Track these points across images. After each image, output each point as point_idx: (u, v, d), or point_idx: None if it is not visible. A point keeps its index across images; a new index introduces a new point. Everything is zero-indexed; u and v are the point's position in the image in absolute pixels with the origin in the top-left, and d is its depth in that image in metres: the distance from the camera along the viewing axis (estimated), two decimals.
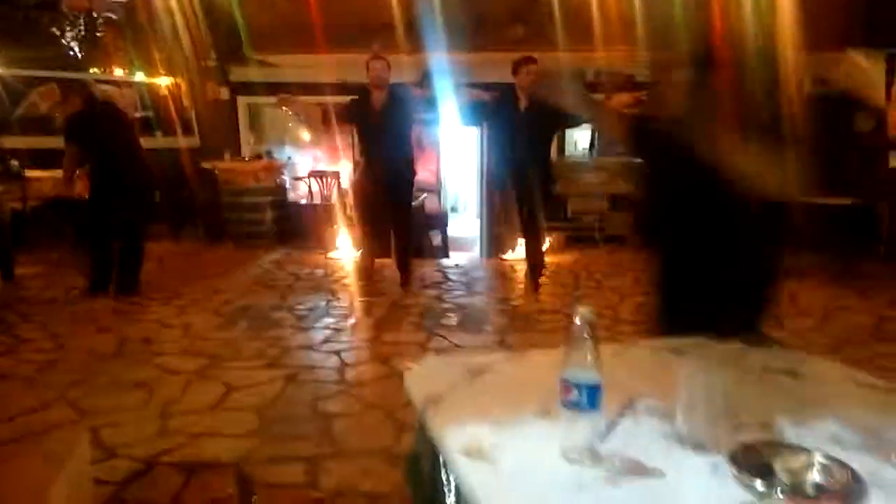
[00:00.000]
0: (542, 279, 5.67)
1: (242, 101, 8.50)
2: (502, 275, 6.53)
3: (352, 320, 4.83)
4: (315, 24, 6.52)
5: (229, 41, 7.58)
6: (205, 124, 8.38)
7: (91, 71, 8.06)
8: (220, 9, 7.42)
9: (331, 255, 7.08)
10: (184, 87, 8.41)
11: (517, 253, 6.53)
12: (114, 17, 8.21)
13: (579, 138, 8.41)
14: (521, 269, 6.35)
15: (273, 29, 7.01)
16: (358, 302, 5.33)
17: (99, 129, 5.11)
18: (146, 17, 8.13)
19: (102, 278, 5.27)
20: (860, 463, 0.97)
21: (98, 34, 8.15)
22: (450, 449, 1.04)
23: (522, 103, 5.08)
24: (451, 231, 7.94)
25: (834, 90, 7.31)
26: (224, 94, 8.33)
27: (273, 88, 7.96)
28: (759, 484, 0.90)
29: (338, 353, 4.10)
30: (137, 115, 8.29)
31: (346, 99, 5.56)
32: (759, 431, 1.07)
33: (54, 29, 7.89)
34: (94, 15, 8.03)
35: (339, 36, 6.49)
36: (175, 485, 2.54)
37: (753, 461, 0.96)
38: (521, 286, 5.84)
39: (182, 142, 8.32)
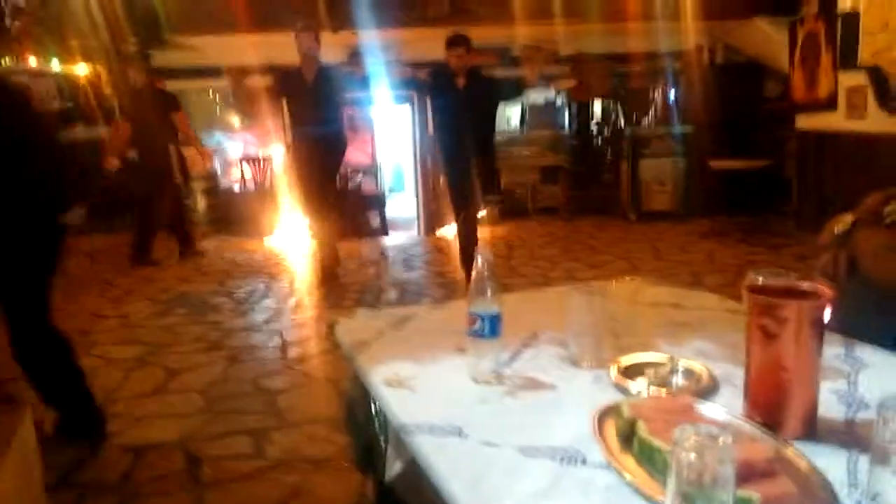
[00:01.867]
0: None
1: (166, 86, 8.30)
2: (439, 250, 6.69)
3: (292, 301, 4.90)
4: (236, 4, 6.45)
5: (148, 25, 7.39)
6: (128, 113, 8.15)
7: (2, 61, 7.73)
8: None
9: (267, 239, 7.07)
10: (104, 75, 8.16)
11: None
12: (22, 3, 7.88)
13: (512, 113, 8.60)
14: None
15: (192, 10, 6.88)
16: (297, 283, 5.40)
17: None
18: (59, 2, 7.84)
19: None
20: (718, 368, 1.16)
21: (7, 22, 7.80)
22: (374, 383, 1.17)
23: (460, 81, 4.95)
24: (389, 211, 8.03)
25: (743, 57, 7.74)
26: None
27: (197, 73, 7.85)
28: (631, 386, 1.08)
29: (279, 332, 4.18)
30: (56, 105, 8.03)
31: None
32: (640, 350, 1.25)
33: None
34: (2, 2, 7.68)
35: (262, 15, 6.44)
36: (124, 465, 2.60)
37: (630, 371, 1.14)
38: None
39: (105, 132, 8.09)
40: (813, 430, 0.94)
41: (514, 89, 5.43)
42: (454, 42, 4.92)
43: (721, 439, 0.67)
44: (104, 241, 7.34)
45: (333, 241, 5.49)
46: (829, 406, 1.01)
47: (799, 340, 0.91)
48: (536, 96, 8.10)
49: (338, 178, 5.89)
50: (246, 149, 8.42)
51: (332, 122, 5.21)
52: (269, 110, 7.04)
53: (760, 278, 1.14)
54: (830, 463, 0.85)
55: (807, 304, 0.92)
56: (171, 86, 8.31)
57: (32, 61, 7.93)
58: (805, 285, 1.00)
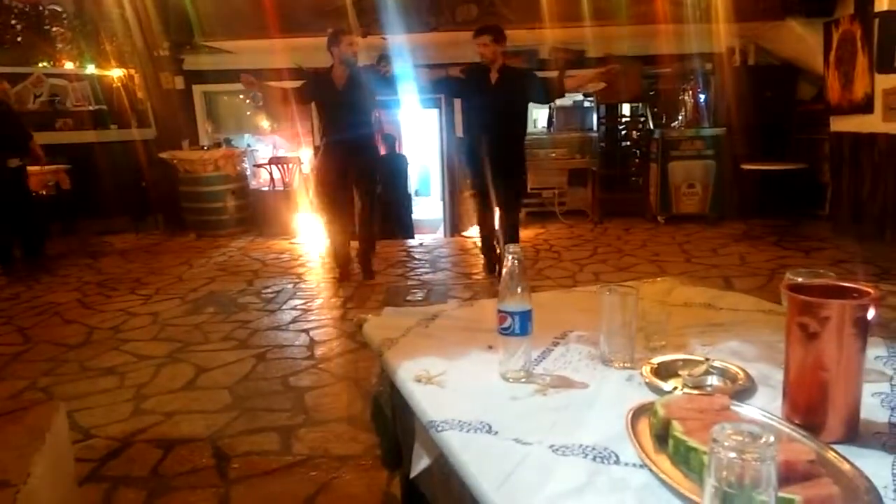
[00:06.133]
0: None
1: (198, 89, 8.44)
2: (465, 251, 6.68)
3: (319, 301, 4.92)
4: (266, 9, 6.52)
5: (181, 30, 7.51)
6: (160, 115, 8.30)
7: (40, 65, 7.92)
8: None
9: (295, 240, 7.14)
10: (137, 78, 8.32)
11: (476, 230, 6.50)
12: (60, 9, 8.06)
13: (539, 115, 8.57)
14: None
15: (224, 15, 6.98)
16: (324, 283, 5.43)
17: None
18: (95, 8, 8.01)
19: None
20: (754, 369, 1.13)
21: (45, 27, 7.99)
22: (402, 379, 1.17)
23: (493, 76, 4.81)
24: (416, 214, 8.04)
25: (776, 59, 7.60)
26: (178, 83, 8.25)
27: (228, 76, 7.96)
28: (665, 386, 1.06)
29: (306, 331, 4.21)
30: (90, 108, 8.20)
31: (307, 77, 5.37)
32: (674, 350, 1.22)
33: None
34: (41, 8, 7.87)
35: (292, 20, 6.51)
36: (153, 459, 2.63)
37: (663, 371, 1.12)
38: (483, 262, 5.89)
39: (137, 133, 8.24)
40: (855, 433, 0.91)
41: (543, 94, 5.14)
42: (479, 31, 4.82)
43: (763, 437, 0.65)
44: (134, 241, 7.49)
45: (347, 243, 5.38)
46: (872, 410, 0.98)
47: (841, 340, 0.88)
48: (564, 98, 8.05)
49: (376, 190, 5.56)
50: (274, 150, 8.53)
51: (365, 127, 5.19)
52: (298, 113, 7.06)
53: (799, 278, 1.10)
54: (873, 467, 0.82)
55: (850, 302, 0.89)
56: (201, 88, 8.45)
57: (69, 65, 8.11)
58: (846, 285, 0.96)
